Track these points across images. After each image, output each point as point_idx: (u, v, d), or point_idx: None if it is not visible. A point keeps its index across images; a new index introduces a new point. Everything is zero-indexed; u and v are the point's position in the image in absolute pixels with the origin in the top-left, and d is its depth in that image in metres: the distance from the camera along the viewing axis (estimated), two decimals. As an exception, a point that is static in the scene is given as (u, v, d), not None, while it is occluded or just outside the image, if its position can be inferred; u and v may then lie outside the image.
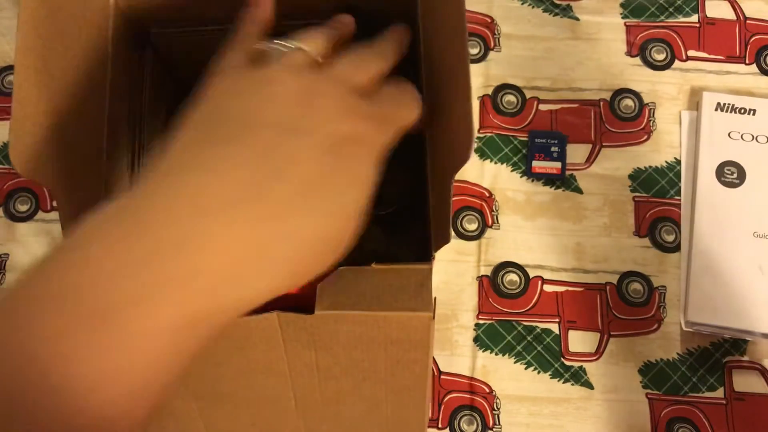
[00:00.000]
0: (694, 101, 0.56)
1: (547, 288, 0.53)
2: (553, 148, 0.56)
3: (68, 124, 0.41)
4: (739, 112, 0.55)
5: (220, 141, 0.30)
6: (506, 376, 0.51)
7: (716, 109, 0.55)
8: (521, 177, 0.55)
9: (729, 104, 0.55)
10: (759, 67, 0.57)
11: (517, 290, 0.53)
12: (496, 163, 0.56)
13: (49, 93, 0.39)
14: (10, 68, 0.59)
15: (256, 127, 0.31)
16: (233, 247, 0.28)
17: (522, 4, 0.59)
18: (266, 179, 0.30)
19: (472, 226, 0.54)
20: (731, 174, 0.54)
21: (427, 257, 0.39)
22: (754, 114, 0.55)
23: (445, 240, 0.36)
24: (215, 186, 0.29)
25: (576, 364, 0.51)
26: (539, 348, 0.52)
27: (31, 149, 0.37)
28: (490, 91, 0.57)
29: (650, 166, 0.55)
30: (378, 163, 0.33)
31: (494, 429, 0.50)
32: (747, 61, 0.58)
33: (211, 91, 0.33)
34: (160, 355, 0.28)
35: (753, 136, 0.55)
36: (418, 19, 0.45)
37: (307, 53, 0.35)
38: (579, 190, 0.55)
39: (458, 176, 0.45)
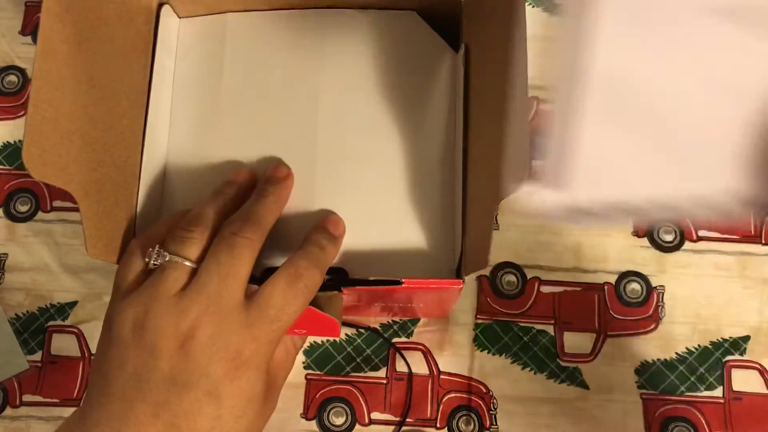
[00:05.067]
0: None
1: (545, 289, 0.54)
2: (552, 148, 0.57)
3: (98, 127, 0.43)
4: None
5: (119, 398, 0.37)
6: (503, 376, 0.53)
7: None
8: (520, 177, 0.56)
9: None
10: (759, 66, 0.58)
11: (515, 291, 0.54)
12: (495, 163, 0.57)
13: (75, 96, 0.41)
14: (10, 68, 0.60)
15: (147, 384, 0.37)
16: None
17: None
18: None
19: (470, 226, 0.56)
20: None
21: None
22: None
23: (482, 265, 0.38)
24: None
25: (571, 365, 0.53)
26: (535, 349, 0.53)
27: (49, 152, 0.38)
28: (489, 91, 0.58)
29: (649, 167, 0.56)
30: (266, 367, 0.40)
31: (491, 429, 0.52)
32: (747, 61, 0.59)
33: (109, 330, 0.40)
34: None
35: None
36: (463, 24, 0.47)
37: (185, 266, 0.40)
38: (578, 190, 0.56)
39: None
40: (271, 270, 0.41)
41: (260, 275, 0.42)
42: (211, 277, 0.39)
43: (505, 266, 0.55)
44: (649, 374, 0.53)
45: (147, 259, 0.40)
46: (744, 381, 0.53)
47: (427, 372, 0.53)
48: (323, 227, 0.44)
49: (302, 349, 0.54)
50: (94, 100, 0.42)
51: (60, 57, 0.39)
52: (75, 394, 0.53)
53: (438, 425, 0.52)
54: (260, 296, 0.39)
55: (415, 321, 0.54)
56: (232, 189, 0.45)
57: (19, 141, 0.58)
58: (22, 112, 0.59)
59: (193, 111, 0.49)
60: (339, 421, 0.52)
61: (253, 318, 0.39)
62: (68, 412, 0.53)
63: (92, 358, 0.54)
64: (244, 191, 0.45)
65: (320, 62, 0.48)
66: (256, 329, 0.39)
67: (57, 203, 0.57)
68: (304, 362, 0.53)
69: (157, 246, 0.41)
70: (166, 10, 0.50)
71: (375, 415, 0.52)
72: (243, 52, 0.49)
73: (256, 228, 0.41)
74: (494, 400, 0.53)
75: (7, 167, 0.58)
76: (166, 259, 0.40)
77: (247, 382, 0.38)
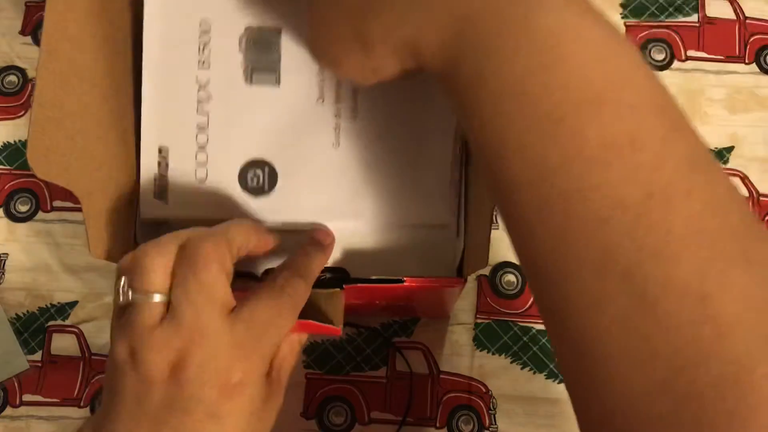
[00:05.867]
0: (694, 101, 0.58)
1: (545, 289, 0.55)
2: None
3: (101, 127, 0.43)
4: None
5: (125, 416, 0.37)
6: (503, 376, 0.53)
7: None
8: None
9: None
10: (759, 66, 0.59)
11: (514, 291, 0.55)
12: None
13: (78, 96, 0.41)
14: (10, 68, 0.60)
15: (148, 407, 0.37)
16: None
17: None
18: None
19: (470, 226, 0.56)
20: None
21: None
22: None
23: (482, 265, 0.39)
24: None
25: (571, 365, 0.53)
26: (535, 348, 0.53)
27: (53, 152, 0.38)
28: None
29: (649, 167, 0.57)
30: (263, 379, 0.39)
31: (490, 429, 0.52)
32: (747, 61, 0.59)
33: (111, 356, 0.38)
34: None
35: None
36: None
37: (151, 303, 0.38)
38: (578, 190, 0.57)
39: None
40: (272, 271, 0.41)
41: (261, 276, 0.42)
42: (182, 308, 0.37)
43: (505, 266, 0.55)
44: (649, 374, 0.53)
45: (118, 298, 0.38)
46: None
47: (427, 371, 0.53)
48: (310, 237, 0.44)
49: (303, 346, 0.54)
50: (96, 99, 0.43)
51: (63, 56, 0.40)
52: (75, 394, 0.54)
53: (438, 425, 0.52)
54: (244, 312, 0.38)
55: (415, 320, 0.54)
56: None
57: (19, 141, 0.59)
58: (22, 112, 0.59)
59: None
60: (339, 420, 0.53)
61: (241, 337, 0.37)
62: (68, 411, 0.53)
63: (92, 358, 0.54)
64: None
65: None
66: (245, 348, 0.38)
67: (57, 203, 0.57)
68: (304, 361, 0.54)
69: (123, 280, 0.38)
70: None
71: (375, 415, 0.53)
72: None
73: (219, 238, 0.38)
74: (494, 400, 0.53)
75: (7, 167, 0.58)
76: (130, 297, 0.38)
77: (246, 399, 0.38)
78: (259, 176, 0.45)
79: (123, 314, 0.39)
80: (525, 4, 0.30)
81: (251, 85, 0.45)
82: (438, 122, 0.46)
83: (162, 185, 0.45)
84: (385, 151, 0.46)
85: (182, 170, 0.45)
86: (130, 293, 0.38)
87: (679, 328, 0.26)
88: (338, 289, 0.43)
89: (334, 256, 0.45)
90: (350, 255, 0.45)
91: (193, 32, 0.45)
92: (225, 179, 0.44)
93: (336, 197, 0.45)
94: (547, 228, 0.29)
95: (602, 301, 0.27)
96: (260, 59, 0.45)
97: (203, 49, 0.45)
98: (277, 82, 0.45)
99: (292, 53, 0.45)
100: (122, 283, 0.38)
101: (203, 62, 0.45)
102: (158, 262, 0.38)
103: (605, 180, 0.27)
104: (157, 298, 0.37)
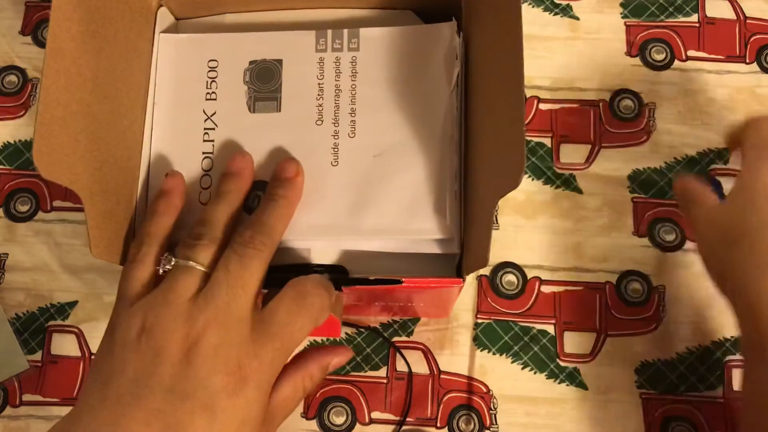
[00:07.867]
0: (694, 101, 0.58)
1: (545, 289, 0.55)
2: (553, 148, 0.57)
3: (102, 127, 0.43)
4: None
5: (113, 402, 0.36)
6: (503, 376, 0.53)
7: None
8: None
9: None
10: (759, 66, 0.59)
11: (515, 291, 0.55)
12: (495, 163, 0.57)
13: (81, 95, 0.41)
14: (10, 68, 0.60)
15: (145, 390, 0.36)
16: None
17: (522, 3, 0.60)
18: None
19: (470, 226, 0.56)
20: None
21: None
22: None
23: (482, 264, 0.39)
24: None
25: (571, 366, 0.53)
26: (536, 349, 0.54)
27: (57, 151, 0.39)
28: (489, 91, 0.59)
29: (649, 167, 0.57)
30: (267, 390, 0.39)
31: (491, 429, 0.52)
32: (747, 60, 0.59)
33: (112, 335, 0.39)
34: None
35: None
36: (463, 23, 0.48)
37: (196, 270, 0.40)
38: (578, 190, 0.57)
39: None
40: (278, 268, 0.41)
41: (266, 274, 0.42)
42: (220, 286, 0.39)
43: (506, 266, 0.56)
44: (649, 374, 0.53)
45: (158, 267, 0.41)
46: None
47: (428, 371, 0.53)
48: None
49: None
50: (98, 99, 0.43)
51: (68, 55, 0.40)
52: (75, 394, 0.54)
53: (438, 425, 0.53)
54: (265, 312, 0.40)
55: (415, 320, 0.54)
56: (234, 184, 0.45)
57: (19, 141, 0.59)
58: (22, 112, 0.59)
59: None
60: (339, 420, 0.53)
61: (257, 334, 0.39)
62: (68, 411, 0.53)
63: (92, 358, 0.54)
64: (246, 183, 0.45)
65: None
66: (258, 346, 0.38)
67: (57, 203, 0.58)
68: (304, 362, 0.54)
69: (166, 254, 0.41)
70: (163, 12, 0.50)
71: (375, 415, 0.53)
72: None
73: (266, 237, 0.41)
74: (494, 400, 0.53)
75: (7, 167, 0.58)
76: (172, 263, 0.40)
77: (244, 400, 0.38)
78: (260, 197, 0.46)
79: (139, 294, 0.40)
80: None
81: (254, 113, 0.48)
82: (437, 137, 0.46)
83: None
84: (385, 168, 0.47)
85: (187, 193, 0.47)
86: (171, 260, 0.40)
87: None
88: (337, 292, 0.43)
89: (333, 256, 0.46)
90: (350, 255, 0.45)
91: (202, 71, 0.49)
92: None
93: (336, 215, 0.45)
94: None
95: None
96: (262, 88, 0.48)
97: (211, 84, 0.49)
98: (278, 108, 0.48)
99: (293, 80, 0.48)
100: (166, 255, 0.41)
101: (211, 96, 0.48)
102: (209, 240, 0.41)
103: None
104: (201, 268, 0.40)
